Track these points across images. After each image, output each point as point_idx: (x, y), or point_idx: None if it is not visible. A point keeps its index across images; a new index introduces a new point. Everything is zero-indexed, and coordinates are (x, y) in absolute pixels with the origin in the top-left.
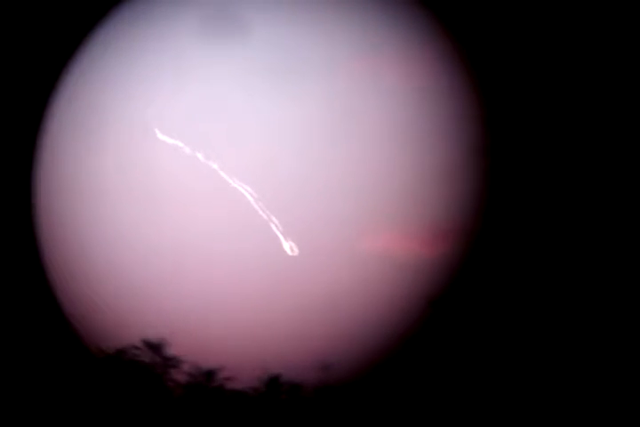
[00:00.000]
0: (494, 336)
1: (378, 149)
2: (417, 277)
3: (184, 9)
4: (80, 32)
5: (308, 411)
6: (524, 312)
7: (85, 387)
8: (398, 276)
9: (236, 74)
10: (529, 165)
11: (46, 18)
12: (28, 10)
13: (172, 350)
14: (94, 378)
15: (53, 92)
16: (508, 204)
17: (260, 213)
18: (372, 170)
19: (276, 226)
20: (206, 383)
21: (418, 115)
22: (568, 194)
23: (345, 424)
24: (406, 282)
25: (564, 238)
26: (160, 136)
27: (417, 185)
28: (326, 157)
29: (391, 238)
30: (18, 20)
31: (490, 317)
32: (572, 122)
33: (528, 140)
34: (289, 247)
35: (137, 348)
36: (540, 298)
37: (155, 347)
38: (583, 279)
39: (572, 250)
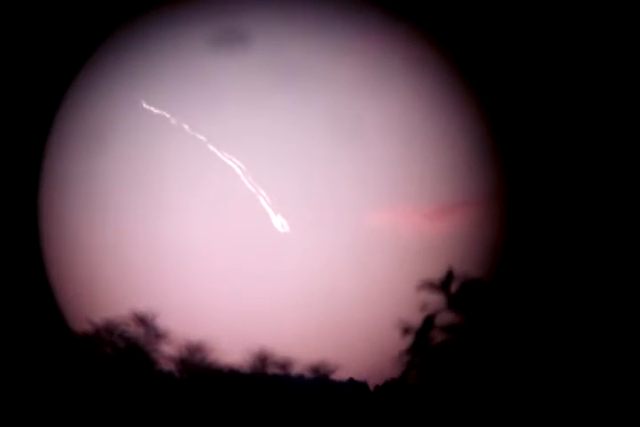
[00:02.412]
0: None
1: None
2: (421, 255)
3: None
4: (90, 40)
5: (300, 385)
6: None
7: (73, 362)
8: (399, 253)
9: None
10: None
11: (56, 23)
12: (40, 11)
13: (160, 323)
14: (81, 352)
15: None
16: (517, 176)
17: (249, 186)
18: (371, 141)
19: (266, 201)
20: (196, 356)
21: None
22: (579, 171)
23: (338, 397)
24: (408, 259)
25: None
26: (145, 106)
27: (419, 155)
28: (322, 127)
29: (392, 213)
30: (27, 21)
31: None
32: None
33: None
34: (279, 224)
35: (126, 320)
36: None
37: (144, 319)
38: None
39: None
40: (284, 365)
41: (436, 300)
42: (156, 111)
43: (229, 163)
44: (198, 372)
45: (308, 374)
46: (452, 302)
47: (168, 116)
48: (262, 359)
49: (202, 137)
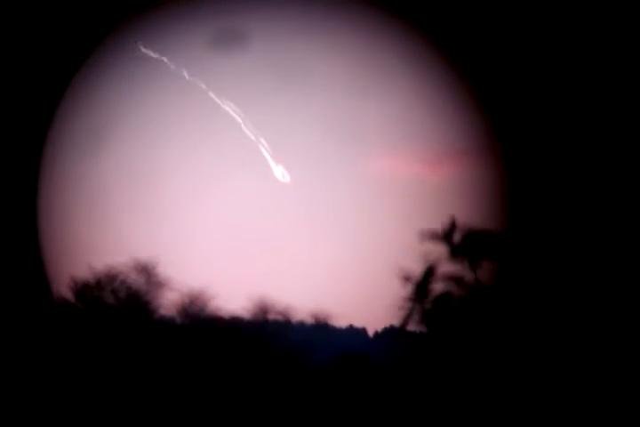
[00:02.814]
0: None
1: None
2: (422, 203)
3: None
4: (89, 37)
5: (301, 331)
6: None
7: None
8: (401, 201)
9: None
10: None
11: (56, 21)
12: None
13: (162, 271)
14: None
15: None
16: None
17: (249, 135)
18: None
19: (266, 149)
20: (197, 303)
21: None
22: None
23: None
24: (410, 207)
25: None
26: (143, 50)
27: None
28: (323, 78)
29: (400, 159)
30: (28, 19)
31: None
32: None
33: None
34: (280, 173)
35: (127, 268)
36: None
37: (145, 267)
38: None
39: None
40: (285, 312)
41: (437, 250)
42: (154, 55)
43: (229, 111)
44: (200, 319)
45: (308, 321)
46: (455, 252)
47: (166, 60)
48: (263, 307)
49: (202, 85)
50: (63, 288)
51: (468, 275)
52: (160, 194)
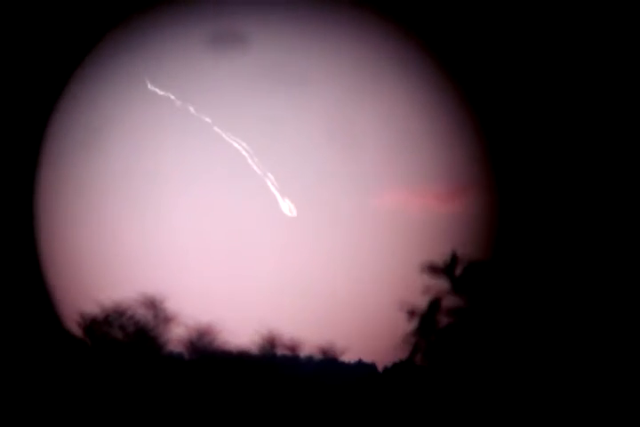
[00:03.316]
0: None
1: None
2: (434, 235)
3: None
4: (88, 36)
5: (309, 367)
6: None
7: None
8: (413, 234)
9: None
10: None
11: (55, 22)
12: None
13: (169, 306)
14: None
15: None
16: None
17: (256, 169)
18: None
19: (273, 184)
20: (205, 338)
21: None
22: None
23: (347, 379)
24: (422, 240)
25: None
26: (150, 87)
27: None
28: (327, 109)
29: (403, 194)
30: (26, 19)
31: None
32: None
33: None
34: (287, 208)
35: (135, 303)
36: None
37: (153, 302)
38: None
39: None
40: (293, 346)
41: (440, 283)
42: (160, 93)
43: (235, 145)
44: (207, 354)
45: (316, 356)
46: (457, 286)
47: (172, 97)
48: (271, 341)
49: (207, 119)
50: (71, 323)
51: (470, 306)
52: (167, 228)
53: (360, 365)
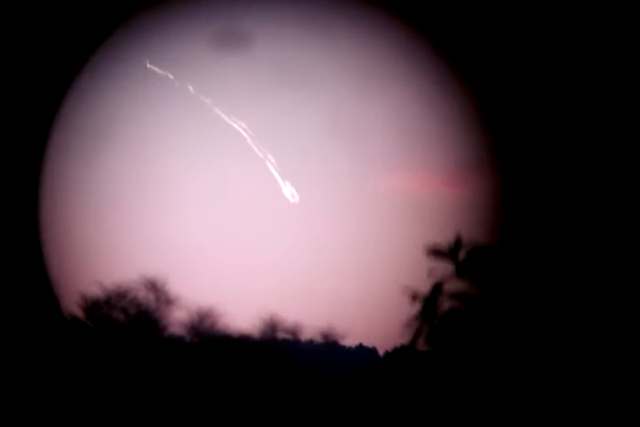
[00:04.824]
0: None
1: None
2: (439, 219)
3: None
4: (92, 39)
5: (310, 350)
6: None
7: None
8: (417, 218)
9: None
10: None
11: (59, 22)
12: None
13: (171, 288)
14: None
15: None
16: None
17: (257, 152)
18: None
19: (275, 167)
20: (206, 321)
21: None
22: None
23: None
24: (427, 224)
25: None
26: (149, 66)
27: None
28: (331, 88)
29: (408, 178)
30: (30, 19)
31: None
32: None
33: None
34: (290, 193)
35: (136, 285)
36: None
37: (154, 284)
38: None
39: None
40: (294, 330)
41: (443, 266)
42: (159, 72)
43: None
44: (208, 336)
45: (317, 340)
46: (460, 270)
47: (171, 77)
48: (271, 325)
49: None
50: (72, 305)
51: (474, 291)
52: (169, 213)
53: (361, 349)
